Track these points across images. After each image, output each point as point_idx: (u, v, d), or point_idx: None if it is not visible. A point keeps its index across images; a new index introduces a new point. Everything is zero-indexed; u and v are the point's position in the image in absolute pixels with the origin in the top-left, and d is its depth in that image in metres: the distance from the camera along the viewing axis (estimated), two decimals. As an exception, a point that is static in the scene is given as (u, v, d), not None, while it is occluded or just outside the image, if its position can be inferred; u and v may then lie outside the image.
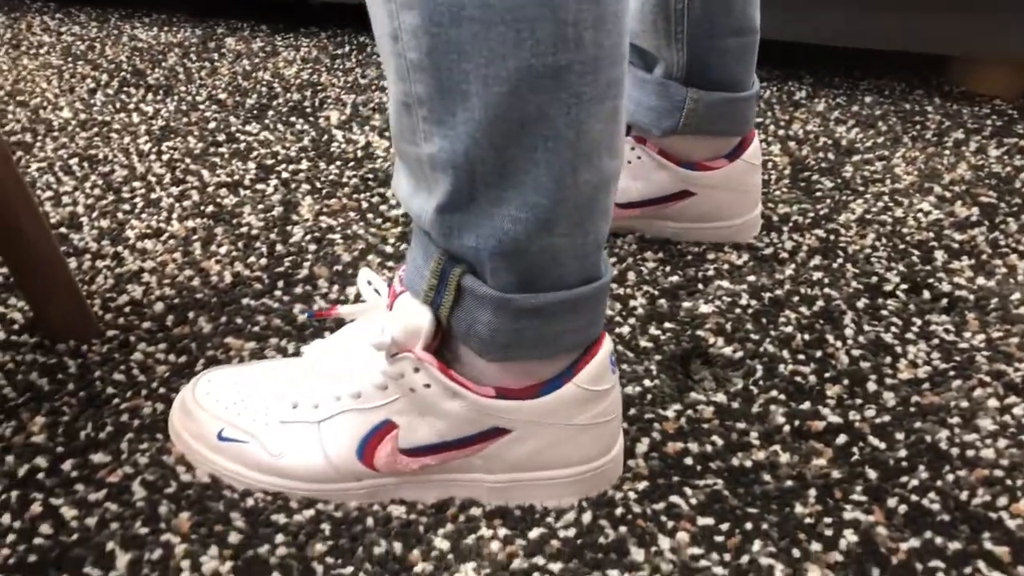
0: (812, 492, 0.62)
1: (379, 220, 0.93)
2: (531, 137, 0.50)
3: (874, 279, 0.84)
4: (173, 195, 0.98)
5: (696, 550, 0.58)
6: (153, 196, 0.98)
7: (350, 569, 0.56)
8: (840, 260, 0.87)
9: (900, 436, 0.67)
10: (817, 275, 0.85)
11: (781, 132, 1.13)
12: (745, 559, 0.57)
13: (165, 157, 1.07)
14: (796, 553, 0.57)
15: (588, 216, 0.53)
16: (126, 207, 0.96)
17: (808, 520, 0.60)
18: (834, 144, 1.10)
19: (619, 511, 0.60)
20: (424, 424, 0.58)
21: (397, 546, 0.57)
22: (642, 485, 0.62)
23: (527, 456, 0.59)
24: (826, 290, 0.83)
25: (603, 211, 0.54)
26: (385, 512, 0.60)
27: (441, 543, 0.58)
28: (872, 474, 0.63)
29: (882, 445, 0.66)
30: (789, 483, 0.63)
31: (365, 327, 0.60)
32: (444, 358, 0.58)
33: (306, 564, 0.56)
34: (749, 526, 0.59)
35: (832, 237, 0.91)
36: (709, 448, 0.65)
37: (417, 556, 0.57)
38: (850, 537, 0.58)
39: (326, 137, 1.12)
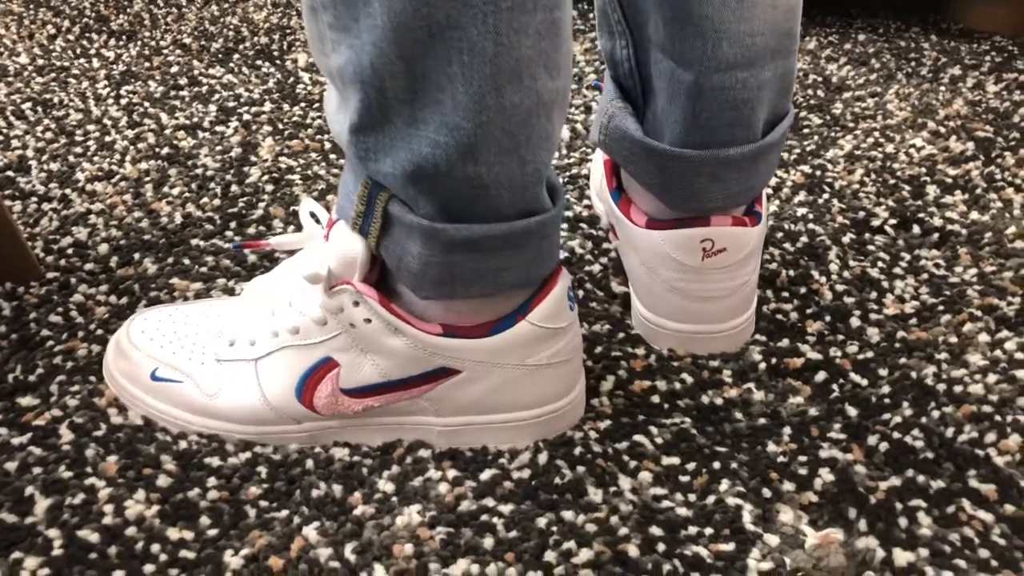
0: (786, 430, 0.58)
1: (343, 161, 0.89)
2: (443, 48, 0.44)
3: (861, 214, 0.79)
4: (128, 138, 0.94)
5: (659, 490, 0.53)
6: (107, 139, 0.93)
7: (284, 513, 0.52)
8: (826, 195, 0.82)
9: (883, 372, 0.62)
10: (802, 211, 0.80)
11: (769, 71, 1.08)
12: (711, 499, 0.53)
13: (123, 101, 1.02)
14: (767, 493, 0.53)
15: (523, 143, 0.48)
16: (78, 150, 0.91)
17: (781, 459, 0.56)
18: (824, 82, 1.05)
19: (578, 451, 0.56)
20: (367, 362, 0.54)
21: (337, 488, 0.53)
22: (604, 424, 0.58)
23: (478, 398, 0.55)
24: (811, 226, 0.78)
25: (543, 138, 0.49)
26: (327, 455, 0.56)
27: (385, 485, 0.54)
28: (852, 411, 0.59)
29: (864, 382, 0.61)
30: (762, 421, 0.58)
31: (304, 259, 0.56)
32: (386, 291, 0.54)
33: (238, 507, 0.52)
34: (717, 465, 0.55)
35: (818, 173, 0.86)
36: (678, 386, 0.61)
37: (358, 499, 0.53)
38: (826, 476, 0.54)
39: (292, 79, 1.07)
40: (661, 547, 0.50)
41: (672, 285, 0.62)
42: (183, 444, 0.56)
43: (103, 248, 0.75)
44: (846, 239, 0.76)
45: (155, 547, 0.50)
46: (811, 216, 0.79)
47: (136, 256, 0.74)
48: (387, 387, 0.54)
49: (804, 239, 0.76)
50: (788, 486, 0.54)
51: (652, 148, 0.60)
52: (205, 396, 0.57)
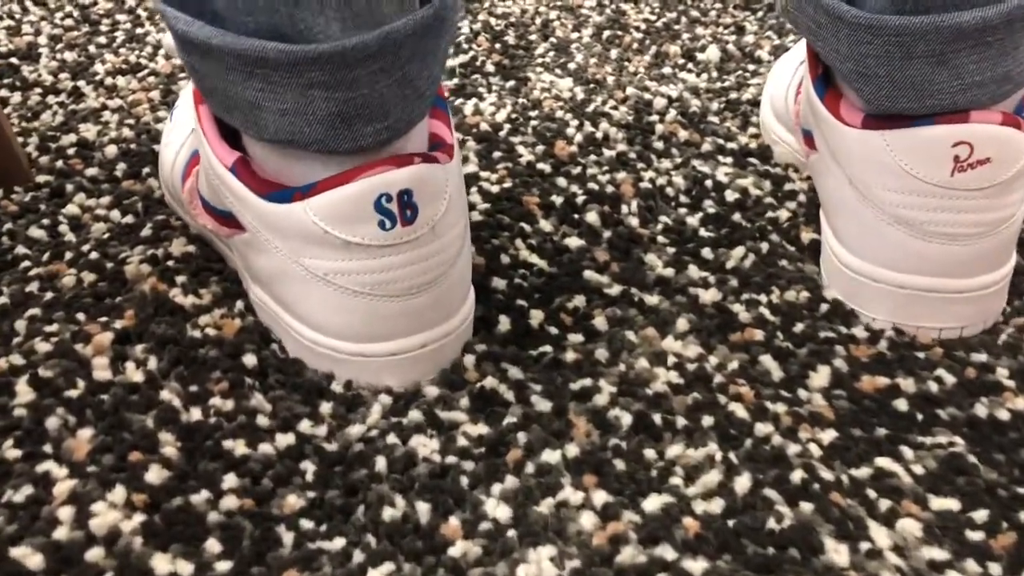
0: (1121, 468, 0.37)
1: None
2: None
3: None
4: (165, 31, 0.75)
5: (937, 552, 0.33)
6: (139, 31, 0.75)
7: (340, 542, 0.33)
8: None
9: None
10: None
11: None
12: (1031, 576, 0.33)
13: (164, -6, 0.84)
14: (1119, 572, 0.33)
15: None
16: (101, 40, 0.73)
17: None
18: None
19: (797, 476, 0.36)
20: (203, 169, 0.43)
21: (422, 508, 0.34)
22: (828, 436, 0.38)
23: (265, 276, 0.41)
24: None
25: None
26: (405, 449, 0.36)
27: (496, 508, 0.34)
28: None
29: None
30: (1079, 451, 0.38)
31: None
32: None
33: (265, 529, 0.33)
34: (1027, 518, 0.35)
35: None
36: (934, 387, 0.41)
37: (455, 528, 0.33)
38: None
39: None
40: (968, 657, 0.30)
41: (896, 213, 0.42)
42: (195, 415, 0.38)
43: (111, 150, 0.56)
44: None
45: (129, 585, 0.31)
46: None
47: (145, 171, 0.55)
48: (208, 208, 0.44)
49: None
50: None
51: (840, 15, 0.40)
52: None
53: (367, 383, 0.40)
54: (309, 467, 0.36)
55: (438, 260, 0.39)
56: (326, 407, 0.39)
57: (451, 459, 0.36)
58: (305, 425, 0.38)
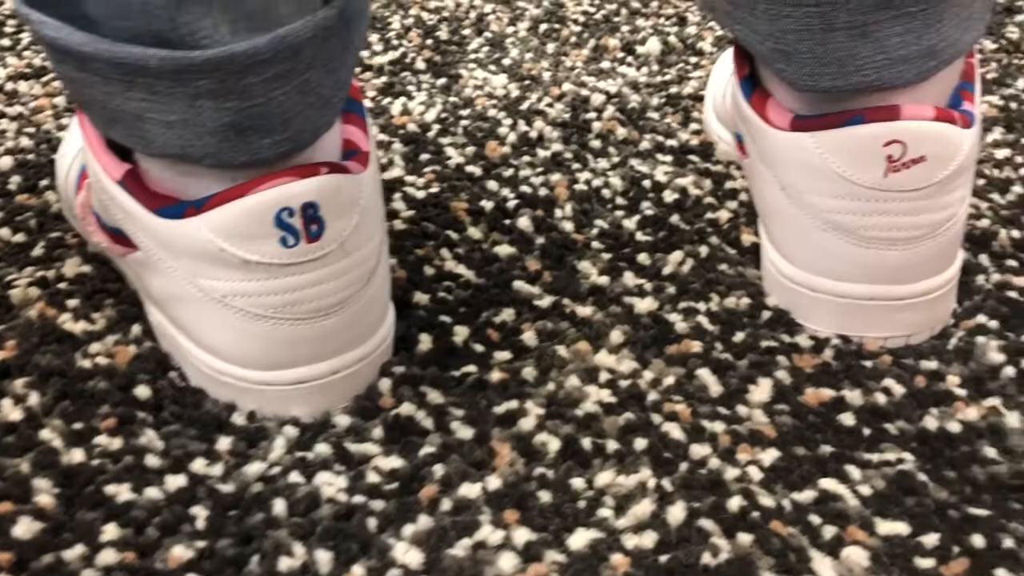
0: (1077, 482, 0.35)
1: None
2: None
3: (1089, 160, 0.56)
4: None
5: (886, 585, 0.31)
6: (48, 33, 0.71)
7: (228, 599, 0.30)
8: (1031, 134, 0.59)
9: None
10: (1003, 152, 0.57)
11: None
12: (986, 608, 0.30)
13: (78, -7, 0.79)
14: (1078, 598, 0.31)
15: None
16: (4, 43, 0.68)
17: (1084, 534, 0.33)
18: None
19: (735, 504, 0.33)
20: (93, 187, 0.40)
21: (323, 557, 0.31)
22: (769, 456, 0.35)
23: (162, 298, 0.38)
24: None
25: None
26: (308, 489, 0.33)
27: (407, 554, 0.31)
28: None
29: None
30: (1034, 464, 0.35)
31: None
32: None
33: (145, 587, 0.30)
34: (978, 541, 0.32)
35: (1014, 105, 0.62)
36: (881, 399, 0.38)
37: (359, 577, 0.30)
38: None
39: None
40: None
41: (831, 219, 0.39)
42: (76, 456, 0.34)
43: (5, 162, 0.52)
44: (1077, 191, 0.53)
45: (-16, 661, 0.27)
46: (1020, 160, 0.56)
47: (43, 184, 0.51)
48: (101, 225, 0.40)
49: (1019, 189, 0.53)
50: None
51: None
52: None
53: (272, 413, 0.37)
54: (200, 513, 0.32)
55: (349, 279, 0.35)
56: (224, 442, 0.35)
57: (358, 498, 0.33)
58: (199, 464, 0.34)
